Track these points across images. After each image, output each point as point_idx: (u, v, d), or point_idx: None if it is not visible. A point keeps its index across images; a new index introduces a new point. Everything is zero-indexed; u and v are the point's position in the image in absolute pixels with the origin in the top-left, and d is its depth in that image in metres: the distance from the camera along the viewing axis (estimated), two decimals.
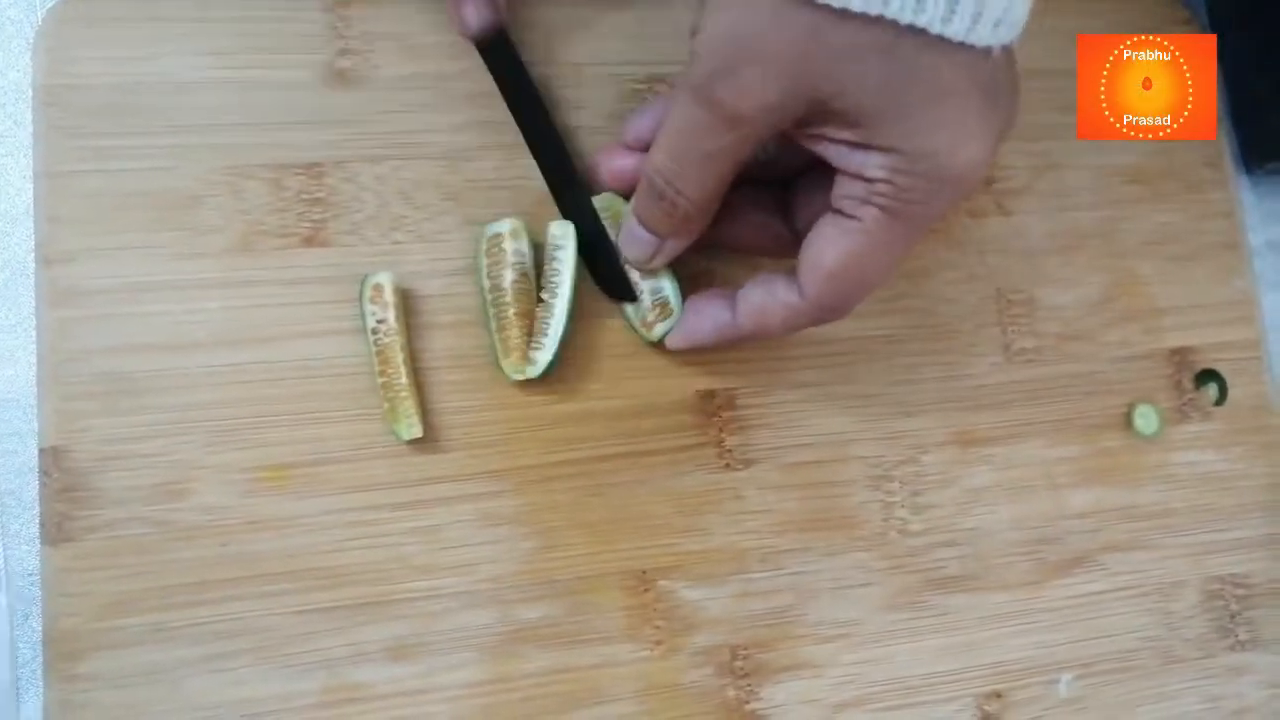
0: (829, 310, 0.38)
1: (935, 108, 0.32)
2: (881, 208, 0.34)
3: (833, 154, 0.35)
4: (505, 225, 0.43)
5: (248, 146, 0.43)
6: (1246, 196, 0.54)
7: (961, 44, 0.31)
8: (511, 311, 0.43)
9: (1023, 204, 0.50)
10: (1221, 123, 0.54)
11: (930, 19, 0.30)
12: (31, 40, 0.43)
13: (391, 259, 0.44)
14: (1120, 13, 0.52)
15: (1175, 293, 0.52)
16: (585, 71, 0.46)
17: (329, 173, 0.44)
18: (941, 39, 0.31)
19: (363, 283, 0.43)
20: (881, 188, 0.34)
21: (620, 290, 0.44)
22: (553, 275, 0.43)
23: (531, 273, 0.43)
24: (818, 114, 0.33)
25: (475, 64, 0.45)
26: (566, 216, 0.44)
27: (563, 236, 0.43)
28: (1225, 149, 0.54)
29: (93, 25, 0.43)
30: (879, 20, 0.30)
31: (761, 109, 0.33)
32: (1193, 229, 0.52)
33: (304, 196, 0.43)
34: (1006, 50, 0.33)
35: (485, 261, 0.43)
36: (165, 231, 0.42)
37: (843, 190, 0.35)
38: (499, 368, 0.43)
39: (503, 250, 0.43)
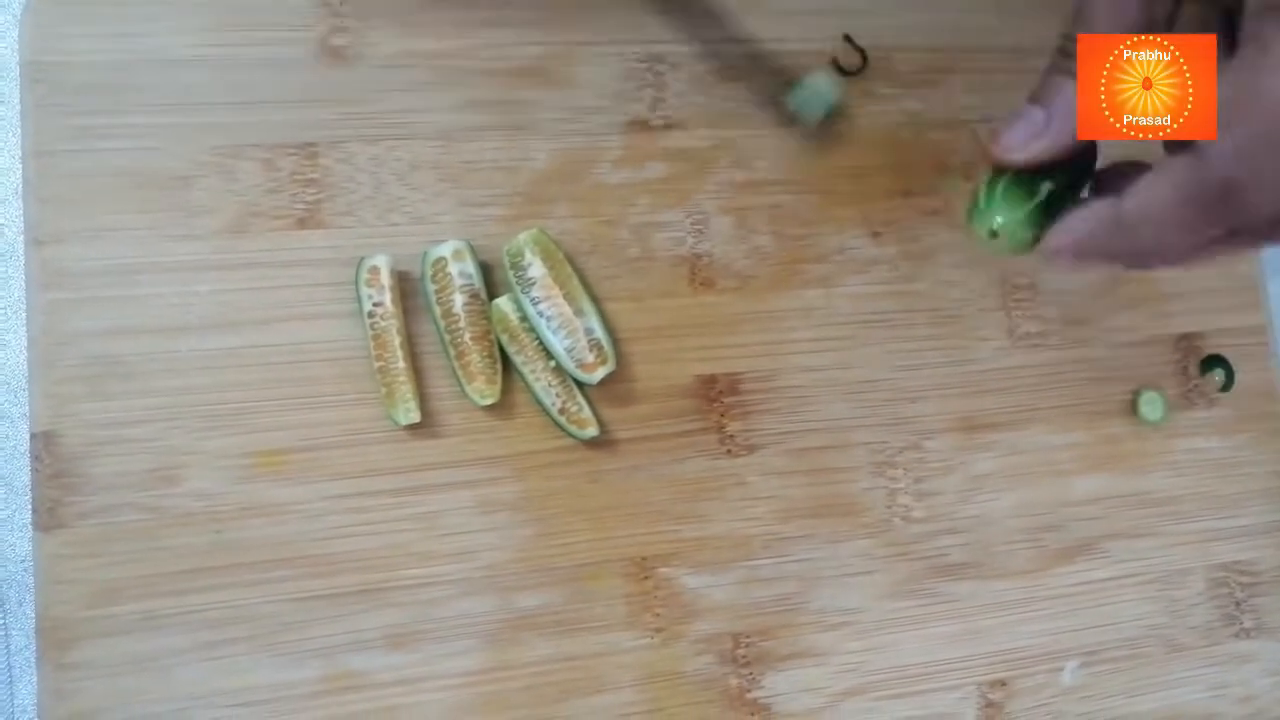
0: (1232, 157, 0.30)
1: None
2: None
3: None
4: (447, 248, 0.42)
5: (240, 126, 0.42)
6: None
7: None
8: (467, 336, 0.42)
9: None
10: None
11: None
12: (19, 16, 0.42)
13: (388, 241, 0.43)
14: None
15: (1181, 278, 0.51)
16: (584, 50, 0.46)
17: (323, 153, 0.43)
18: None
19: (359, 265, 0.42)
20: None
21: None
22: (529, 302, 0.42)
23: (483, 292, 0.43)
24: None
25: (473, 42, 0.44)
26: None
27: (529, 253, 0.42)
28: None
29: (81, 2, 0.42)
30: None
31: None
32: None
33: (298, 177, 0.43)
34: None
35: (432, 288, 0.42)
36: (157, 212, 0.41)
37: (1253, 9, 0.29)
38: (465, 395, 0.42)
39: (448, 275, 0.42)
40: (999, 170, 0.40)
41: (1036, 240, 0.39)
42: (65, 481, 0.40)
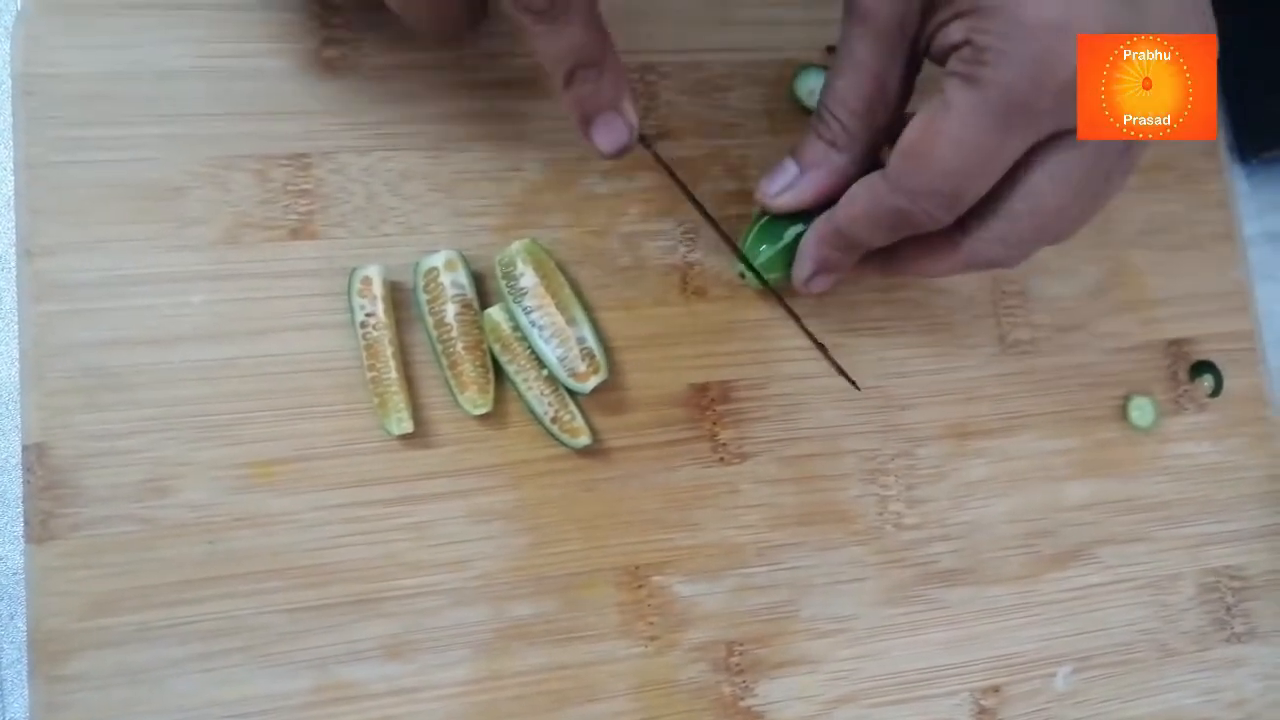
0: (907, 191, 0.36)
1: None
2: (960, 75, 0.33)
3: (937, 40, 0.35)
4: (439, 258, 0.42)
5: (232, 137, 0.42)
6: (1242, 186, 0.54)
7: None
8: (460, 346, 0.42)
9: None
10: (1217, 112, 0.54)
11: None
12: (10, 28, 0.42)
13: (380, 251, 0.43)
14: None
15: (1170, 283, 0.51)
16: None
17: (316, 164, 0.43)
18: None
19: (351, 276, 0.42)
20: (964, 53, 0.33)
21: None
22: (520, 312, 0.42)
23: (475, 302, 0.43)
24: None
25: (463, 54, 0.44)
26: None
27: (521, 261, 0.43)
28: (1221, 138, 0.53)
29: (73, 13, 0.42)
30: None
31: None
32: (1188, 219, 0.52)
33: (290, 188, 0.43)
34: None
35: (424, 298, 0.42)
36: (149, 223, 0.41)
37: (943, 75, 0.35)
38: (457, 404, 0.42)
39: (440, 285, 0.42)
40: (762, 214, 0.43)
41: (784, 279, 0.43)
42: (57, 493, 0.40)
